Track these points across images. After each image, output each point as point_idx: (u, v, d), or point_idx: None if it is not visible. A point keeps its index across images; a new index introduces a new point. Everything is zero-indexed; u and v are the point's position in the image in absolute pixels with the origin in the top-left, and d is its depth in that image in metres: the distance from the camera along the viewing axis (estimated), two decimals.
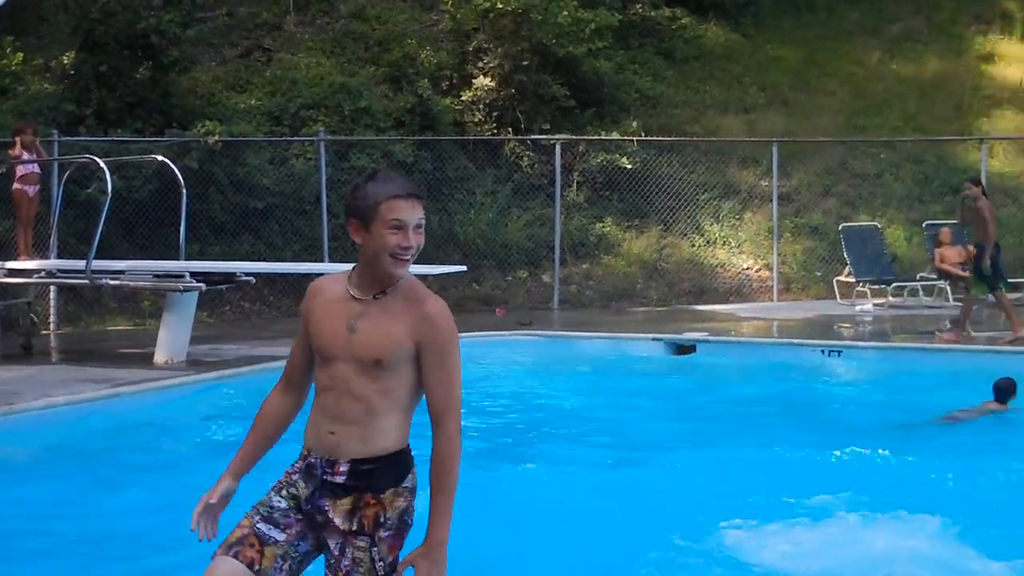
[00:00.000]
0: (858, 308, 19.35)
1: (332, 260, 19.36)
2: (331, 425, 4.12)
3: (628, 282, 21.19)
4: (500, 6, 22.03)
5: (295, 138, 20.50)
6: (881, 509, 7.78)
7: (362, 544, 4.09)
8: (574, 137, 22.02)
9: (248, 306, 19.46)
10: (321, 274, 14.47)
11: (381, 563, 4.10)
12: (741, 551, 7.15)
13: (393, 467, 4.15)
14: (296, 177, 20.16)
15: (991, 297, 16.26)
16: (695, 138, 23.39)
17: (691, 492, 8.41)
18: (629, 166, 21.98)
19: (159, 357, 13.77)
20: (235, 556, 4.10)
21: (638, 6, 26.88)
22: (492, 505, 7.63)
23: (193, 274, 14.02)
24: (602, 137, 22.39)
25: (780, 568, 6.87)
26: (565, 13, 22.42)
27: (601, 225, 21.88)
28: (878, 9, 29.77)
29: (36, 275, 15.33)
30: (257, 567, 4.09)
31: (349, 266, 4.31)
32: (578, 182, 22.09)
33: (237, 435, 10.43)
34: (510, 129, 22.29)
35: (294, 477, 4.23)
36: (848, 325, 17.80)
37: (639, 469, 9.31)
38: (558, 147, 20.86)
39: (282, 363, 12.02)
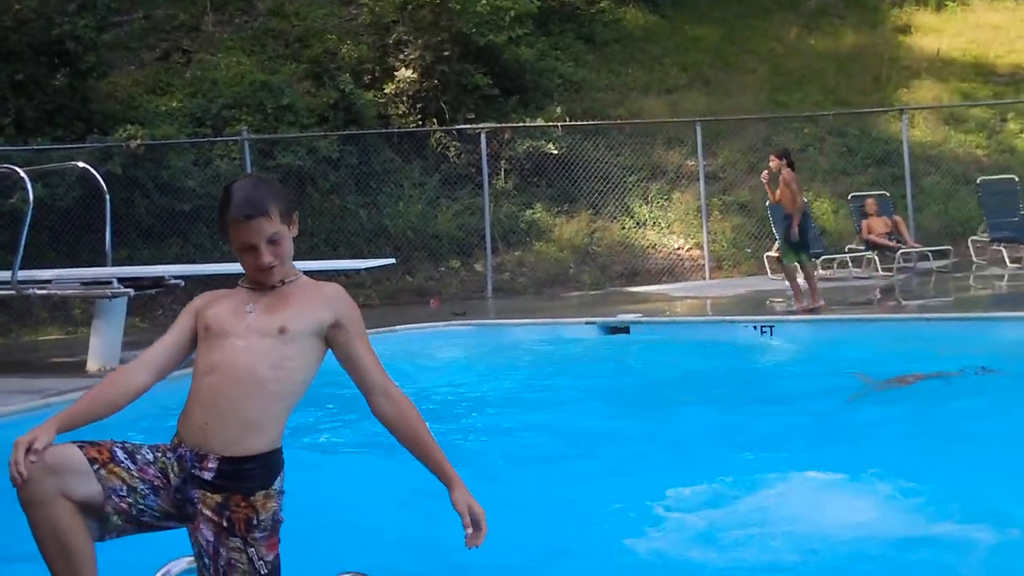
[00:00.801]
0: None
1: None
2: (205, 415, 4.02)
3: (561, 267, 21.24)
4: None
5: (218, 138, 20.34)
6: (819, 474, 7.89)
7: (236, 545, 4.01)
8: (499, 125, 22.02)
9: (180, 309, 19.19)
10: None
11: (261, 562, 4.05)
12: (675, 526, 7.19)
13: (265, 469, 4.07)
14: (221, 178, 19.94)
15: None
16: (619, 121, 23.48)
17: (625, 472, 8.43)
18: (555, 152, 22.02)
19: (91, 364, 13.62)
20: (79, 447, 3.96)
21: None
22: (420, 495, 7.64)
23: (121, 280, 13.88)
24: (527, 124, 22.41)
25: (716, 537, 6.92)
26: (484, 1, 22.45)
27: (531, 212, 21.91)
28: None
29: None
30: (98, 467, 3.92)
31: None
32: (506, 170, 22.11)
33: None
34: (435, 120, 22.26)
35: (168, 454, 4.09)
36: (780, 300, 17.93)
37: (576, 452, 9.33)
38: (483, 136, 20.85)
39: None
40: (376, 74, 23.01)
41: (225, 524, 4.00)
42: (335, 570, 4.62)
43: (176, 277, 15.02)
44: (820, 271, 19.85)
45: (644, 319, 15.28)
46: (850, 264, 20.18)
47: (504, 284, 20.60)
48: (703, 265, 21.18)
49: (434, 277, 20.75)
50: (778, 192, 16.19)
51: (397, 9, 22.65)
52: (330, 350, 4.20)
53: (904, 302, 17.53)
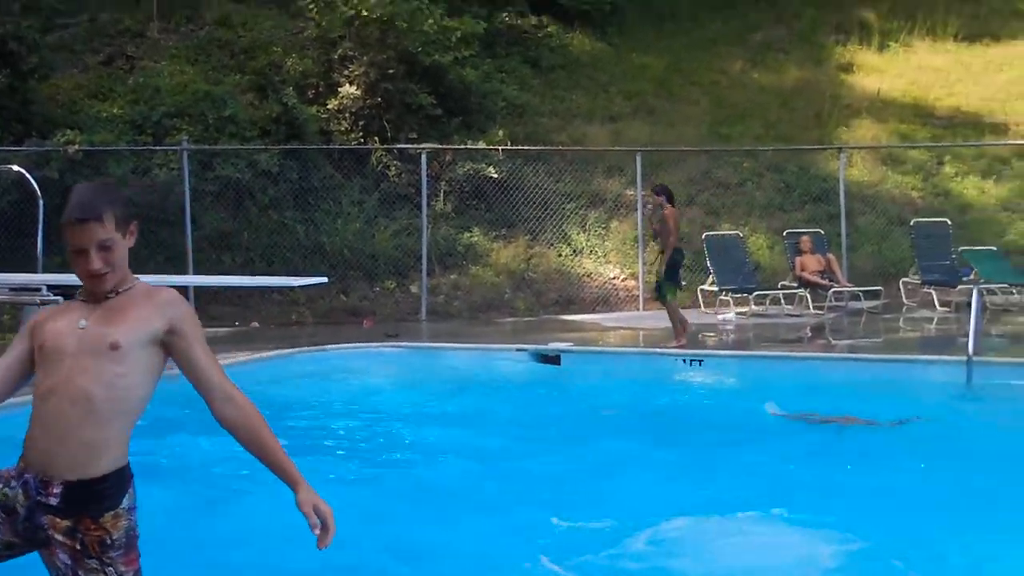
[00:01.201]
0: (720, 317, 19.65)
1: (197, 271, 19.20)
2: (46, 440, 3.96)
3: (496, 292, 21.26)
4: (365, 14, 21.99)
5: (158, 147, 20.25)
6: (735, 511, 7.99)
7: (94, 566, 3.98)
8: (440, 146, 22.05)
9: None
10: (184, 287, 14.23)
11: None
12: (576, 557, 7.27)
13: (111, 489, 4.04)
14: (159, 188, 19.90)
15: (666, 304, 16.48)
16: (561, 147, 23.58)
17: (544, 502, 8.48)
18: (496, 175, 22.08)
19: None
20: None
21: (504, 15, 27.07)
22: (345, 517, 7.64)
23: (51, 287, 13.76)
24: (468, 146, 22.45)
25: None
26: (431, 21, 22.50)
27: (469, 235, 21.93)
28: (741, 17, 30.35)
29: None
30: None
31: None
32: (445, 192, 22.13)
33: None
34: (376, 138, 22.25)
35: (12, 483, 4.02)
36: (711, 334, 18.07)
37: (494, 480, 9.36)
38: (424, 156, 20.87)
39: None
40: (320, 89, 22.98)
41: (79, 547, 3.97)
42: None
43: None
44: (753, 307, 20.02)
45: (575, 348, 15.34)
46: (782, 301, 20.34)
47: (439, 307, 20.59)
48: (637, 296, 21.25)
49: (369, 297, 20.70)
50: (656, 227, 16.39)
51: (344, 24, 22.63)
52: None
53: (834, 341, 17.71)
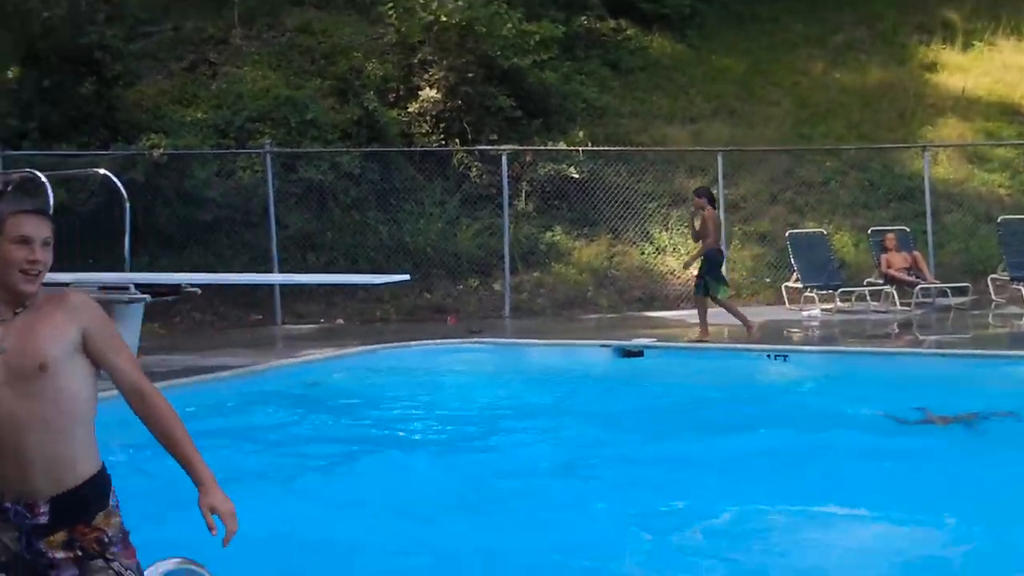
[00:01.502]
0: (805, 314, 19.49)
1: (282, 270, 19.38)
2: (14, 467, 3.95)
3: (579, 290, 21.24)
4: (444, 19, 22.10)
5: (241, 150, 20.45)
6: (817, 504, 7.94)
7: (100, 566, 4.02)
8: (521, 147, 22.08)
9: (199, 316, 19.39)
10: (267, 285, 14.37)
11: (128, 571, 4.07)
12: (661, 549, 7.25)
13: (96, 491, 4.09)
14: (243, 189, 20.11)
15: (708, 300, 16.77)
16: (642, 148, 23.50)
17: (628, 496, 8.44)
18: (576, 176, 22.07)
19: None
20: None
21: (583, 18, 27.01)
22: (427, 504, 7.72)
23: (138, 286, 13.96)
24: (549, 147, 22.46)
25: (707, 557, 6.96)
26: (509, 26, 22.58)
27: (551, 234, 21.93)
28: (822, 19, 30.04)
29: None
30: None
31: None
32: (526, 192, 22.14)
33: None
34: (457, 140, 22.33)
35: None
36: (796, 330, 17.94)
37: (579, 475, 9.34)
38: (504, 157, 20.91)
39: (232, 373, 12.03)
40: (400, 93, 23.10)
41: (80, 553, 4.01)
42: None
43: (193, 285, 15.08)
44: (839, 303, 19.82)
45: (658, 344, 15.29)
46: (868, 298, 20.12)
47: (522, 304, 20.61)
48: None
49: (452, 295, 20.78)
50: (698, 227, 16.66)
51: (423, 30, 22.76)
52: None
53: (921, 337, 17.50)
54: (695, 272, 17.06)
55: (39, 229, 4.03)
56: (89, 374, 4.07)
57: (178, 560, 4.11)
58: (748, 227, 22.78)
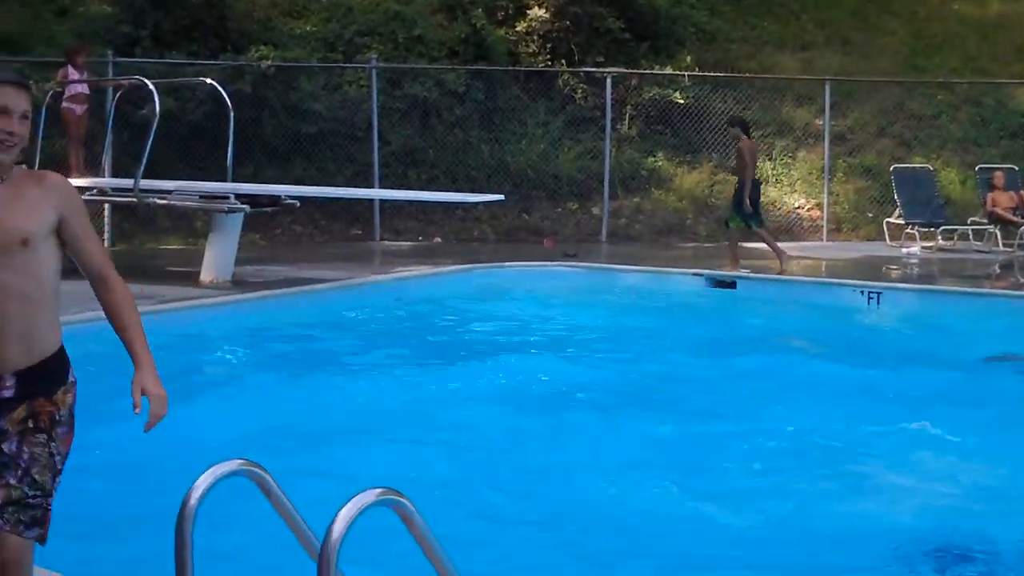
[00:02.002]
0: (904, 251, 19.28)
1: (383, 186, 19.57)
2: None
3: (678, 217, 21.22)
4: None
5: (348, 64, 20.61)
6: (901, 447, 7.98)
7: (40, 440, 4.10)
8: (626, 71, 21.98)
9: (300, 229, 19.68)
10: (367, 200, 14.61)
11: (58, 456, 4.15)
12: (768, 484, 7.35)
13: (60, 364, 4.19)
14: (349, 104, 20.26)
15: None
16: (749, 75, 23.23)
17: (711, 431, 8.53)
18: (681, 101, 21.93)
19: (204, 276, 14.04)
20: None
21: None
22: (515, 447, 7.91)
23: (238, 196, 14.29)
24: (655, 71, 22.32)
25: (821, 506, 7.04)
26: None
27: (653, 159, 21.87)
28: None
29: (87, 192, 15.60)
30: None
31: None
32: (630, 116, 22.07)
33: (267, 354, 10.73)
34: (563, 61, 22.26)
35: None
36: (894, 267, 17.78)
37: (645, 401, 9.47)
38: (609, 80, 20.85)
39: (327, 285, 12.28)
40: (509, 11, 23.04)
41: (31, 424, 4.10)
42: None
43: (292, 197, 15.35)
44: (940, 241, 19.59)
45: (751, 275, 15.25)
46: (971, 237, 19.85)
47: (620, 230, 20.63)
48: (821, 226, 21.00)
49: (550, 217, 20.86)
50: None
51: None
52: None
53: (1023, 279, 17.26)
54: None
55: (18, 101, 4.09)
56: (57, 255, 4.17)
57: (240, 461, 4.17)
58: (853, 160, 22.52)
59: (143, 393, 4.18)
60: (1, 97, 4.06)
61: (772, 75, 23.58)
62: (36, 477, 4.09)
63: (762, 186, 16.97)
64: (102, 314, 4.27)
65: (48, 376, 4.16)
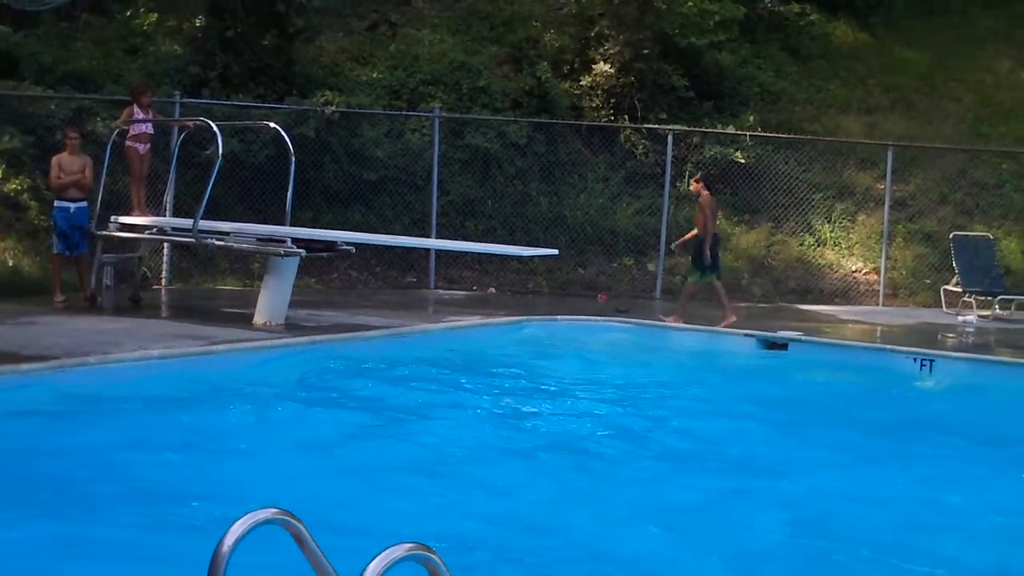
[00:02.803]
0: (961, 319, 19.14)
1: (440, 235, 19.70)
2: None
3: (734, 276, 21.13)
4: None
5: (412, 112, 20.79)
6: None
7: None
8: (688, 128, 22.04)
9: (355, 275, 19.83)
10: (422, 249, 14.80)
11: None
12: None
13: None
14: (410, 152, 20.44)
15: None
16: (811, 137, 23.20)
17: (746, 494, 8.51)
18: (742, 160, 21.91)
19: (258, 319, 14.20)
20: None
21: (767, 0, 26.80)
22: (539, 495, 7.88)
23: (295, 240, 14.44)
24: (717, 130, 22.35)
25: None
26: (690, 3, 22.52)
27: None
28: (1012, 15, 29.23)
29: (148, 231, 15.85)
30: None
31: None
32: (690, 173, 22.06)
33: (315, 398, 10.81)
34: (626, 116, 22.36)
35: None
36: (950, 335, 17.66)
37: (682, 457, 9.47)
38: (670, 137, 20.92)
39: (378, 332, 12.41)
40: (574, 65, 23.20)
41: None
42: None
43: (348, 244, 15.48)
44: (997, 310, 19.44)
45: (803, 338, 15.15)
46: None
47: (674, 287, 20.56)
48: (878, 291, 20.91)
49: (606, 272, 20.90)
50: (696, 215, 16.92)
51: (603, 3, 22.84)
52: None
53: None
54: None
55: None
56: None
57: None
58: (913, 225, 22.41)
59: None
60: None
61: (835, 138, 23.55)
62: None
63: (720, 241, 17.65)
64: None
65: None
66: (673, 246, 17.29)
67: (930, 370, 13.89)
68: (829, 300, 20.75)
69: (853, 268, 21.72)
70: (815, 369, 14.12)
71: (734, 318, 16.45)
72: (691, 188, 17.18)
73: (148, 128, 16.32)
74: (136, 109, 15.94)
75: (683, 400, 12.15)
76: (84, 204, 15.51)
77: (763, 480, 8.76)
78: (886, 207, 21.23)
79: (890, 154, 21.41)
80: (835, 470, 9.18)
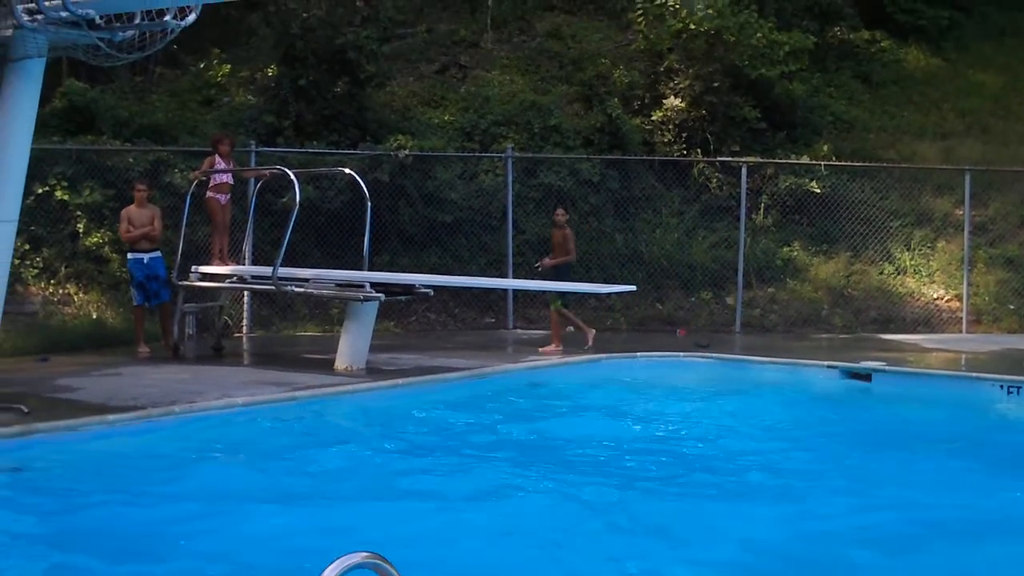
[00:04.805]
0: None
1: (516, 276, 19.69)
2: None
3: (813, 308, 20.98)
4: (693, 27, 22.12)
5: (484, 154, 20.86)
6: None
7: None
8: (761, 160, 21.91)
9: (433, 317, 19.88)
10: (500, 290, 14.91)
11: None
12: None
13: None
14: (484, 192, 20.49)
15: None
16: (887, 164, 22.98)
17: (836, 525, 8.42)
18: (818, 190, 21.74)
19: (339, 364, 14.29)
20: None
21: (836, 29, 26.68)
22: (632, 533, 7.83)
23: (373, 285, 14.53)
24: (790, 160, 22.20)
25: None
26: (759, 35, 22.43)
27: (788, 249, 21.68)
28: None
29: (228, 280, 16.00)
30: None
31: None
32: (766, 205, 21.95)
33: (401, 443, 10.82)
34: (699, 150, 22.29)
35: None
36: None
37: (781, 499, 9.35)
38: (744, 169, 20.82)
39: (459, 374, 12.49)
40: (645, 100, 23.17)
41: None
42: None
43: (426, 286, 15.54)
44: None
45: (887, 368, 14.99)
46: None
47: (754, 320, 20.47)
48: (961, 318, 20.62)
49: (684, 307, 20.78)
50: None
51: (672, 38, 22.79)
52: None
53: None
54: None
55: None
56: None
57: (365, 555, 4.07)
58: (994, 250, 22.09)
59: None
60: None
61: (911, 164, 23.32)
62: None
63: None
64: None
65: None
66: (539, 266, 17.48)
67: (1019, 395, 13.72)
68: (912, 329, 20.47)
69: (935, 295, 21.44)
70: (900, 399, 13.96)
71: (594, 331, 17.12)
72: (557, 217, 17.37)
73: (228, 178, 16.49)
74: (217, 159, 16.12)
75: (768, 433, 12.08)
76: (158, 254, 15.71)
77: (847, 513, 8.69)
78: (966, 232, 20.97)
79: (968, 179, 21.16)
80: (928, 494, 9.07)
